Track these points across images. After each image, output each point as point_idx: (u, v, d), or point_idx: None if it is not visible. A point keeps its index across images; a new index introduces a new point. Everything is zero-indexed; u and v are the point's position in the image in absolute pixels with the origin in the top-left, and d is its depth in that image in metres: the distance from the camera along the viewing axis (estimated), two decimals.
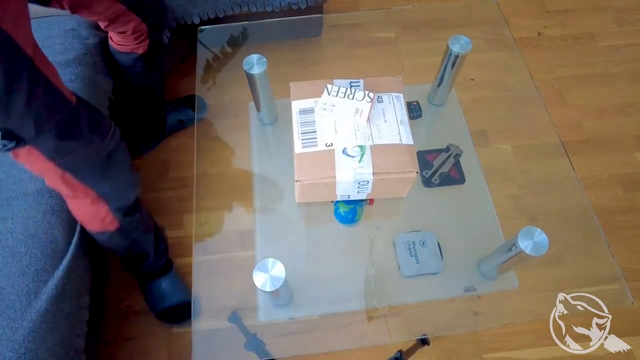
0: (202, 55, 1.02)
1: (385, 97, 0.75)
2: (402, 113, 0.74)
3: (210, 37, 1.02)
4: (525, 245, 0.62)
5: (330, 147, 0.70)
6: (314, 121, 0.73)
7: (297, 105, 0.75)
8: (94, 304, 0.92)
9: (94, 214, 0.87)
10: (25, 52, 0.60)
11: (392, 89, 0.76)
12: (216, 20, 1.26)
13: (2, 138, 0.63)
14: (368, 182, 0.70)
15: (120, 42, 1.05)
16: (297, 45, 1.33)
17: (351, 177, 0.69)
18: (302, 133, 0.72)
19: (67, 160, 0.76)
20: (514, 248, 0.64)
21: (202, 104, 1.07)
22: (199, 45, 1.02)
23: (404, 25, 1.30)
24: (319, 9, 1.38)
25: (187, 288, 1.16)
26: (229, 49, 1.05)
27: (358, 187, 0.72)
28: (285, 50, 1.23)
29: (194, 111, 1.27)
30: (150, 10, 1.02)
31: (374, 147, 0.70)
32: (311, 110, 0.74)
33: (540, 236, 0.63)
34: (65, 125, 0.71)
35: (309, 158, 0.70)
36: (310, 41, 1.51)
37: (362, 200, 0.80)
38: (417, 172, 0.69)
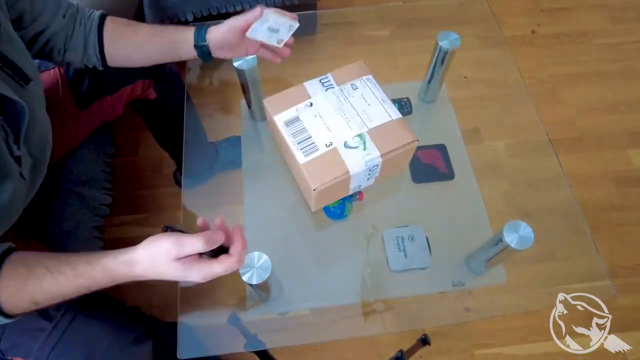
0: None
1: (357, 82, 0.77)
2: (379, 91, 0.76)
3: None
4: (510, 239, 0.63)
5: (331, 147, 0.70)
6: (305, 128, 0.72)
7: (280, 118, 0.74)
8: None
9: None
10: None
11: (360, 74, 0.78)
12: (209, 18, 1.26)
13: None
14: (377, 165, 0.71)
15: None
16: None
17: (363, 166, 0.69)
18: (298, 143, 0.71)
19: None
20: (500, 242, 0.65)
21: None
22: None
23: (397, 23, 1.30)
24: (312, 7, 1.38)
25: None
26: None
27: (369, 174, 0.73)
28: None
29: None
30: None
31: (370, 132, 0.71)
32: (296, 119, 0.73)
33: (526, 230, 0.63)
34: None
35: (316, 164, 0.69)
36: (304, 39, 1.51)
37: (352, 196, 0.80)
38: (417, 140, 0.72)
